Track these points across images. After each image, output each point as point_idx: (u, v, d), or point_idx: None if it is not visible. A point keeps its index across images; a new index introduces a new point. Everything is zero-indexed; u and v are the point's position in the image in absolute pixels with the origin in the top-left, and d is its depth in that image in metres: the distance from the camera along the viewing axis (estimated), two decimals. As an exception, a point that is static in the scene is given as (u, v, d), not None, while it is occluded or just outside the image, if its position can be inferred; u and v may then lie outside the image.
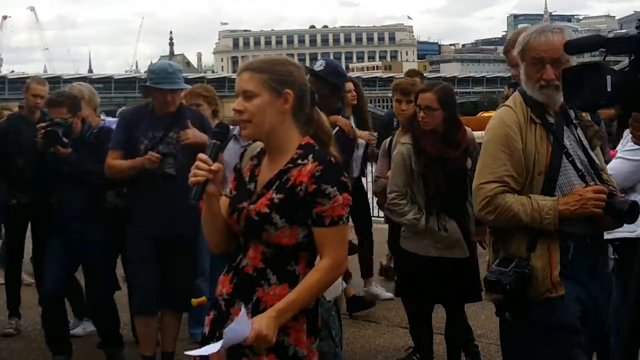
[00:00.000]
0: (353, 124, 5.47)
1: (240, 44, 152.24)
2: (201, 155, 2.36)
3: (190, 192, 2.34)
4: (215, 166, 2.35)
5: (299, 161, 2.39)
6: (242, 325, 2.22)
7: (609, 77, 2.28)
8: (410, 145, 4.19)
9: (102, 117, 5.28)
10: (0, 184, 5.43)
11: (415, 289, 4.30)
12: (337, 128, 4.21)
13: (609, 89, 2.28)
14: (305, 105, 2.47)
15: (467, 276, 4.21)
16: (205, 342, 2.51)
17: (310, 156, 2.38)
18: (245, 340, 2.22)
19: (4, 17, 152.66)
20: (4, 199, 5.44)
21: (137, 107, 4.86)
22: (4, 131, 5.41)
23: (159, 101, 4.45)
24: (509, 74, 4.13)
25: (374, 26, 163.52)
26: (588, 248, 2.76)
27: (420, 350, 4.54)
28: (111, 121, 5.27)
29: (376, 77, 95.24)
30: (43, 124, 4.52)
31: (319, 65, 4.39)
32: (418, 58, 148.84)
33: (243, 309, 2.26)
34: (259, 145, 2.56)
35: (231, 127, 3.15)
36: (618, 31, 2.39)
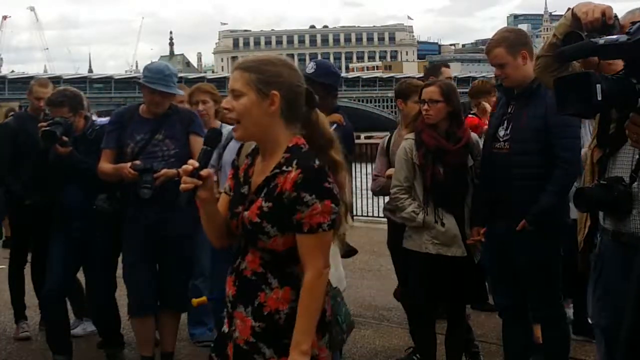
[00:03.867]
0: None
1: (241, 44, 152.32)
2: (190, 162, 2.37)
3: (180, 198, 2.37)
4: (204, 172, 2.36)
5: (284, 167, 2.36)
6: None
7: (598, 85, 2.32)
8: (412, 140, 4.24)
9: (94, 117, 5.26)
10: (13, 184, 5.36)
11: (416, 289, 4.30)
12: (335, 125, 4.21)
13: (599, 98, 2.31)
14: (297, 107, 2.44)
15: (467, 277, 4.21)
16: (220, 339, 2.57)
17: (295, 162, 2.35)
18: None
19: (4, 17, 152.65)
20: (17, 199, 5.37)
21: (127, 108, 4.85)
22: (14, 131, 5.37)
23: (147, 100, 4.47)
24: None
25: (374, 26, 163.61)
26: (619, 246, 2.74)
27: (423, 353, 4.53)
28: (102, 120, 5.27)
29: (376, 77, 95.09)
30: (43, 123, 4.53)
31: (310, 68, 4.37)
32: (418, 58, 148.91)
33: None
34: (254, 142, 2.56)
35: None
36: (609, 37, 2.41)
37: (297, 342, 2.31)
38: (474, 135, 4.35)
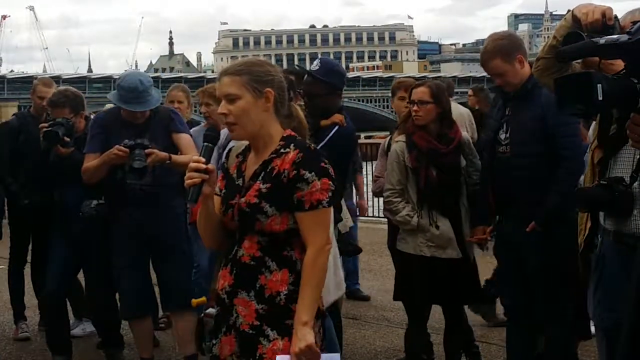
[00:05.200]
0: None
1: (240, 43, 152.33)
2: (196, 158, 2.47)
3: (187, 194, 2.44)
4: (209, 167, 2.46)
5: (282, 151, 2.50)
6: None
7: (599, 85, 2.32)
8: (403, 143, 4.20)
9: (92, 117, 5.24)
10: (12, 184, 5.34)
11: (411, 291, 4.27)
12: (336, 127, 4.17)
13: (600, 98, 2.31)
14: (284, 101, 2.58)
15: (463, 277, 4.19)
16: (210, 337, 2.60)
17: (292, 145, 2.51)
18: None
19: (4, 17, 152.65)
20: (16, 199, 5.34)
21: (109, 112, 4.78)
22: (15, 131, 5.37)
23: (128, 115, 4.40)
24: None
25: (374, 26, 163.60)
26: (619, 247, 2.72)
27: (412, 354, 4.50)
28: None
29: (376, 77, 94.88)
30: (45, 124, 4.53)
31: (314, 65, 4.35)
32: (419, 58, 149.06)
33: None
34: (243, 143, 2.65)
35: None
36: (610, 37, 2.40)
37: (299, 314, 2.41)
38: (465, 134, 4.32)
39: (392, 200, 4.21)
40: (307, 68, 4.51)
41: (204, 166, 2.44)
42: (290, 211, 2.45)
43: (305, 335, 2.37)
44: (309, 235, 2.45)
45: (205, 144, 2.53)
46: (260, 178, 2.49)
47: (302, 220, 2.45)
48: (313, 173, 2.43)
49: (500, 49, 3.85)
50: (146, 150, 4.24)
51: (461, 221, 4.18)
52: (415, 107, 4.17)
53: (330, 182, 2.46)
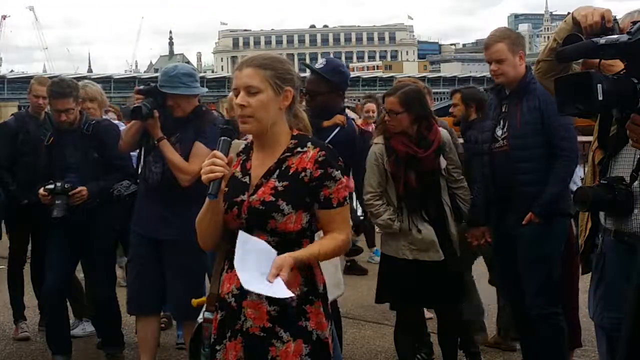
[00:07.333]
0: None
1: (240, 43, 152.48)
2: (217, 153, 2.37)
3: (208, 188, 2.35)
4: (229, 159, 2.39)
5: (297, 149, 2.47)
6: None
7: (599, 85, 2.32)
8: (382, 145, 4.17)
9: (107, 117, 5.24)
10: (11, 184, 5.33)
11: (395, 293, 4.24)
12: (338, 128, 4.17)
13: (600, 98, 2.31)
14: (296, 102, 2.57)
15: (449, 278, 4.15)
16: (212, 344, 2.53)
17: (309, 144, 2.48)
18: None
19: (4, 17, 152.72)
20: (15, 199, 5.32)
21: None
22: (13, 131, 5.37)
23: (171, 108, 4.27)
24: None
25: (374, 26, 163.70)
26: (620, 246, 2.72)
27: (400, 356, 4.48)
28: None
29: (376, 77, 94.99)
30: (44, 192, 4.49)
31: (320, 63, 4.36)
32: (419, 58, 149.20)
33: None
34: (241, 142, 2.62)
35: None
36: (610, 37, 2.41)
37: (296, 255, 2.34)
38: (444, 133, 4.22)
39: (373, 204, 4.16)
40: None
41: (224, 160, 2.35)
42: (305, 210, 2.42)
43: (284, 259, 2.31)
44: (337, 229, 2.45)
45: (223, 138, 2.44)
46: (275, 176, 2.45)
47: (329, 218, 2.44)
48: (339, 171, 2.44)
49: (509, 36, 4.00)
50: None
51: (445, 221, 4.15)
52: (386, 117, 4.15)
53: (346, 179, 2.48)
